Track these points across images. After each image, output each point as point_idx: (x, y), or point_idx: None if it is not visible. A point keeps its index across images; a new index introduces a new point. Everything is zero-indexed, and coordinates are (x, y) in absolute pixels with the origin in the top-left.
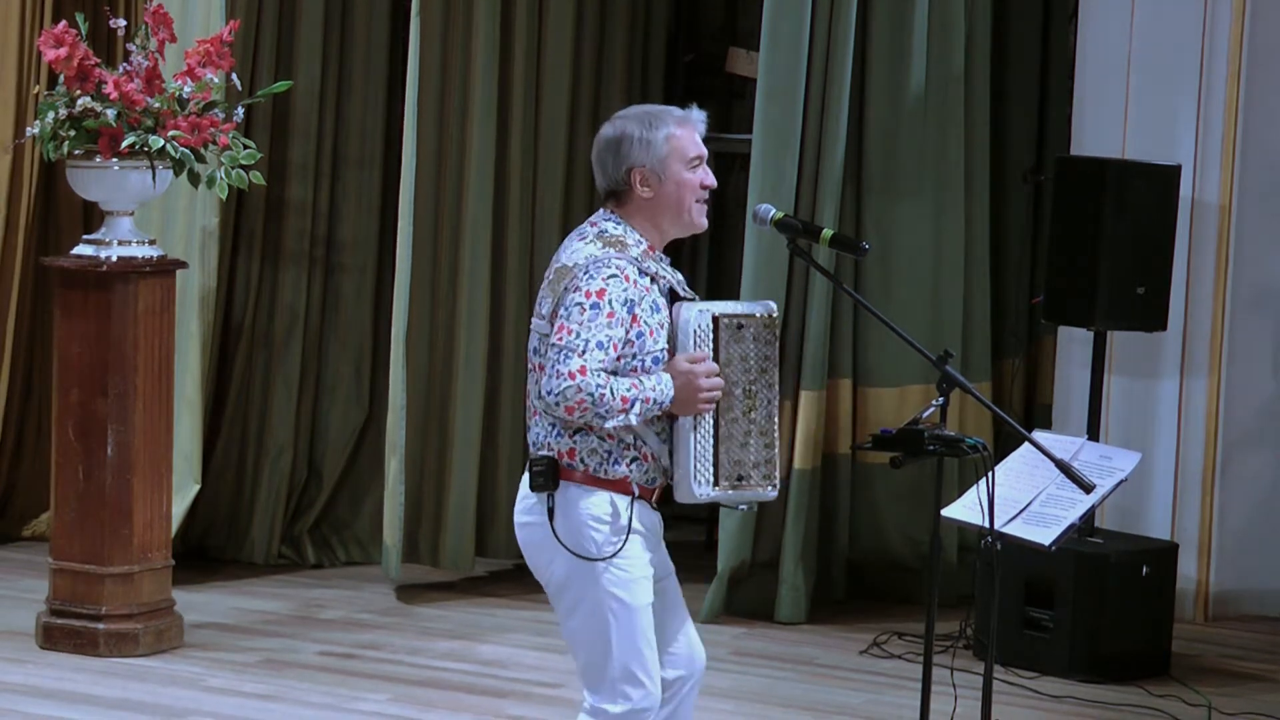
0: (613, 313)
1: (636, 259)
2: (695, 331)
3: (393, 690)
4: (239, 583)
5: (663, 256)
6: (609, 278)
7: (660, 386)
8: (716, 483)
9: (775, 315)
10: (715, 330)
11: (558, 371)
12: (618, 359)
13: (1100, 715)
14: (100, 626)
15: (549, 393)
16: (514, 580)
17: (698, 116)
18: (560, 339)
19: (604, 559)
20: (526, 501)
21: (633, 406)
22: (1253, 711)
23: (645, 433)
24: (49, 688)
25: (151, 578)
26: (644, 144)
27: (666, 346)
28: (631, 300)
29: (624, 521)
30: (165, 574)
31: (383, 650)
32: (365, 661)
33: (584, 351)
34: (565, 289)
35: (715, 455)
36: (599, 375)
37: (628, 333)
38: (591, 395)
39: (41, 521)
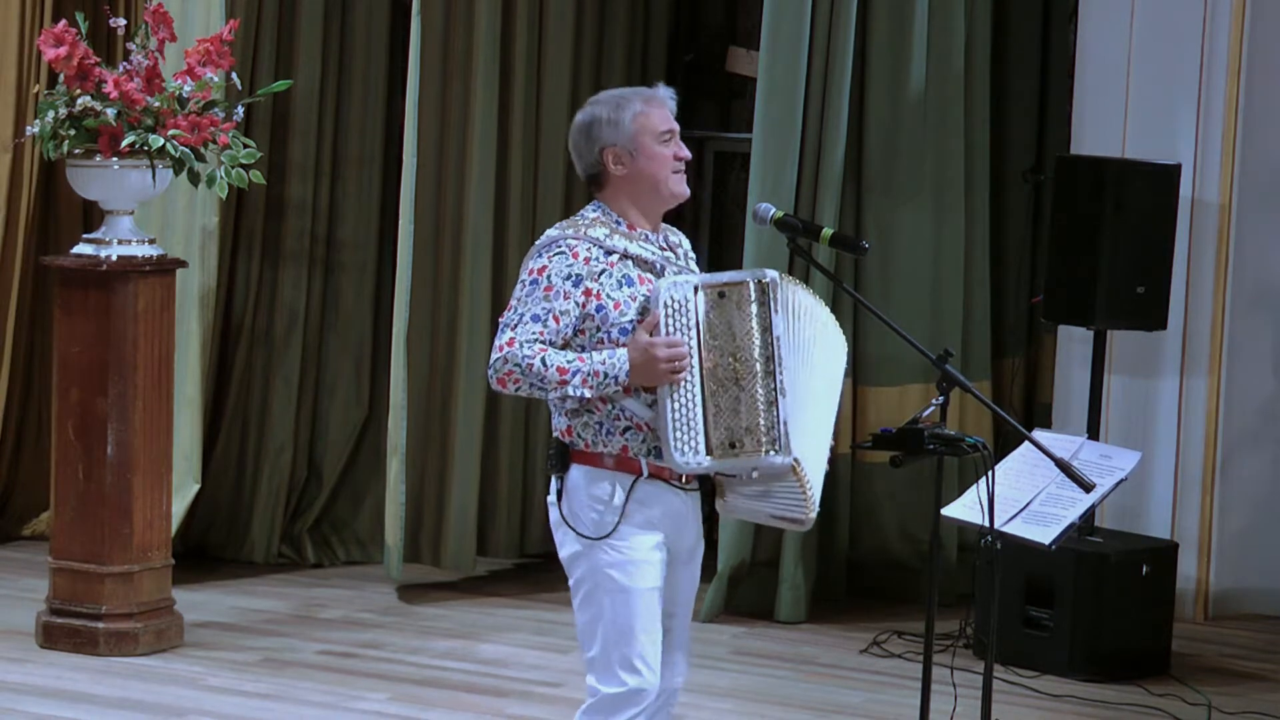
0: (551, 286)
1: (599, 238)
2: (666, 304)
3: (393, 689)
4: (239, 582)
5: (650, 233)
6: (554, 255)
7: (612, 359)
8: (709, 451)
9: (768, 281)
10: (695, 300)
11: (494, 346)
12: (579, 332)
13: (1100, 714)
14: (100, 626)
15: (487, 368)
16: (515, 580)
17: (665, 93)
18: (502, 316)
19: (599, 538)
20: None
21: (573, 378)
22: (1253, 711)
23: (631, 403)
24: (49, 687)
25: (151, 577)
26: (613, 124)
27: (637, 319)
28: (578, 275)
29: (618, 503)
30: (165, 573)
31: (383, 649)
32: (365, 661)
33: (516, 325)
34: (520, 273)
35: (705, 424)
36: (529, 346)
37: (582, 307)
38: (519, 365)
39: (41, 521)
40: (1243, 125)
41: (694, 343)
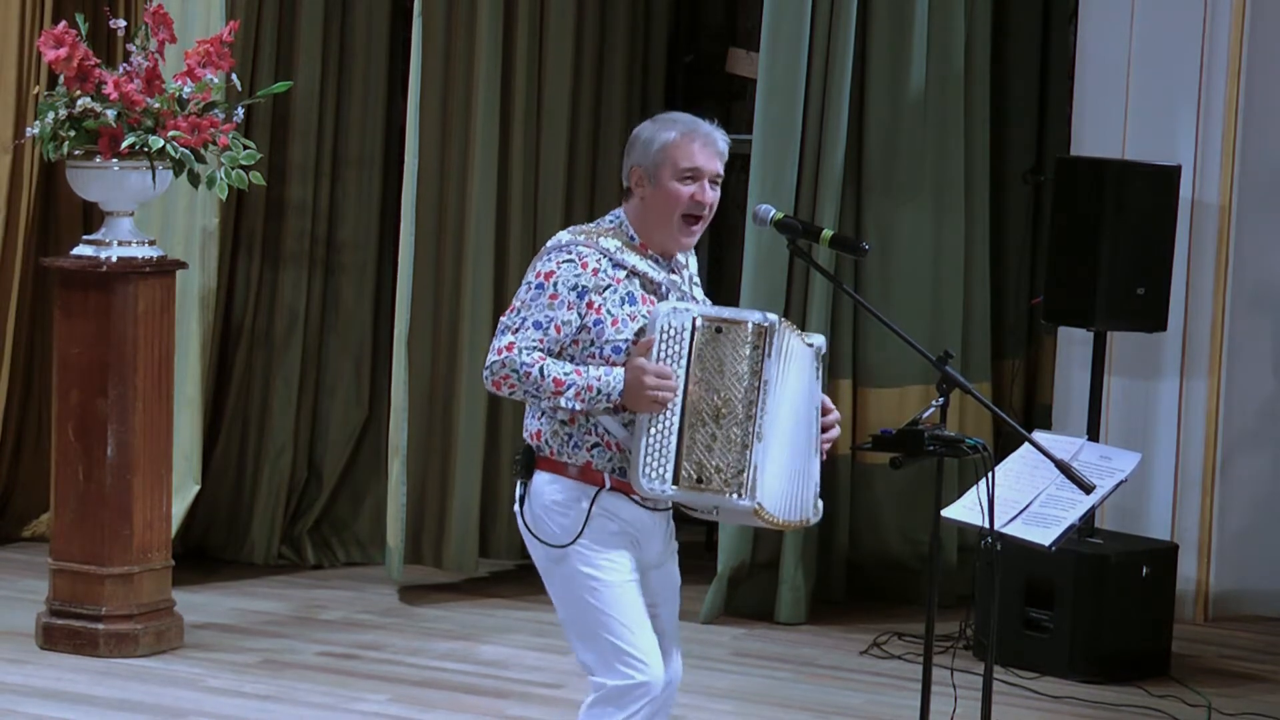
0: (556, 294)
1: (611, 250)
2: (664, 329)
3: (393, 691)
4: (239, 583)
5: (659, 257)
6: (563, 262)
7: (608, 377)
8: (676, 481)
9: (765, 325)
10: (692, 331)
11: (492, 348)
12: (573, 343)
13: (1100, 716)
14: (100, 627)
15: (484, 368)
16: (516, 581)
17: (707, 131)
18: (504, 317)
19: (563, 545)
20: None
21: (567, 390)
22: (1252, 712)
23: (607, 420)
24: (49, 688)
25: (151, 578)
26: (646, 145)
27: (632, 339)
28: (584, 286)
29: (583, 507)
30: (165, 574)
31: (383, 651)
32: (365, 662)
33: (518, 329)
34: (527, 271)
35: (676, 455)
36: (529, 353)
37: (582, 318)
38: (516, 371)
39: (41, 522)
40: (1243, 126)
41: (682, 373)
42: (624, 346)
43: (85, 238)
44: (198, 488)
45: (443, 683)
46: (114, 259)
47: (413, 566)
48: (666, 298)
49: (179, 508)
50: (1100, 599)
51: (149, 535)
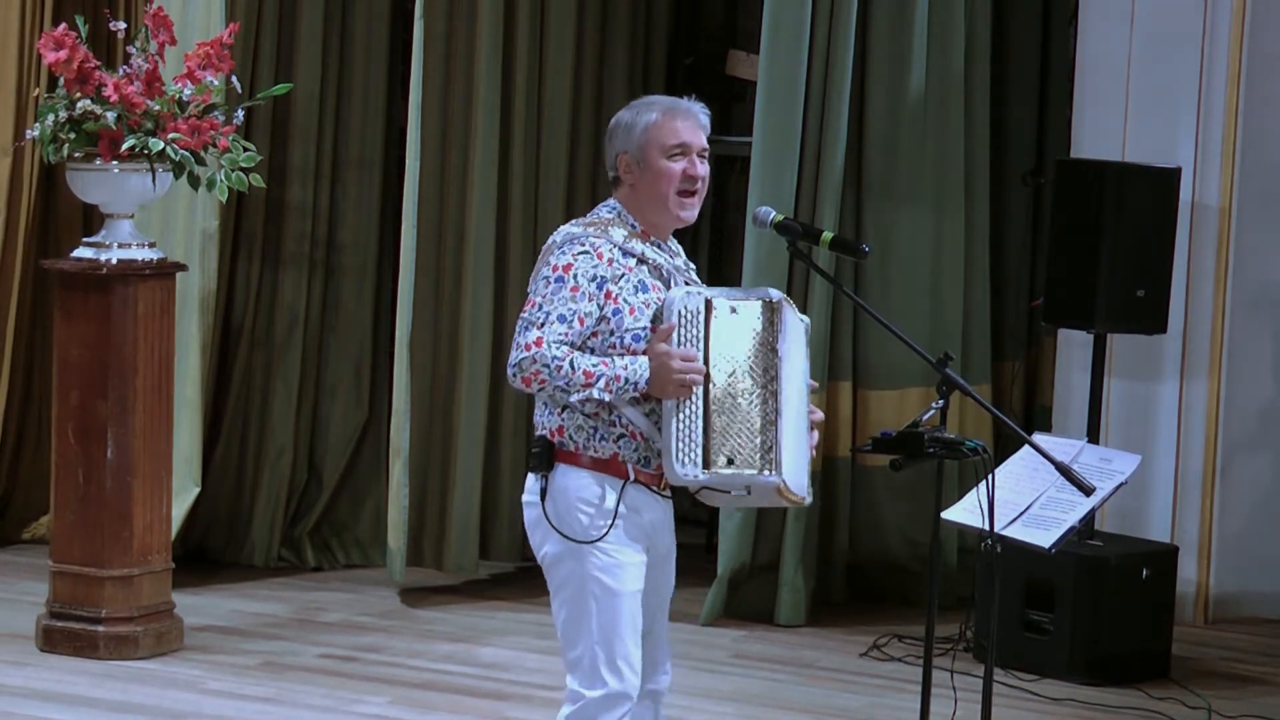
0: (577, 287)
1: (619, 240)
2: (681, 313)
3: (393, 693)
4: (239, 585)
5: (661, 243)
6: (579, 254)
7: (634, 366)
8: (706, 465)
9: (775, 301)
10: (707, 313)
11: (517, 344)
12: (592, 335)
13: (1100, 718)
14: (100, 629)
15: (509, 365)
16: (517, 583)
17: (687, 107)
18: (525, 312)
19: (588, 541)
20: (528, 482)
21: (597, 381)
22: (1252, 714)
23: (630, 411)
24: (49, 690)
25: (151, 580)
26: (628, 131)
27: (649, 326)
28: (602, 277)
29: (610, 504)
30: (165, 576)
31: (383, 653)
32: (365, 664)
33: (543, 324)
34: (538, 266)
35: (705, 438)
36: (558, 347)
37: (601, 309)
38: (547, 366)
39: (41, 524)
40: (1243, 128)
41: (702, 355)
42: (642, 334)
43: (85, 240)
44: (198, 490)
45: (443, 685)
46: (114, 261)
47: (413, 568)
48: (670, 282)
49: (179, 510)
50: (1100, 601)
51: (149, 537)
